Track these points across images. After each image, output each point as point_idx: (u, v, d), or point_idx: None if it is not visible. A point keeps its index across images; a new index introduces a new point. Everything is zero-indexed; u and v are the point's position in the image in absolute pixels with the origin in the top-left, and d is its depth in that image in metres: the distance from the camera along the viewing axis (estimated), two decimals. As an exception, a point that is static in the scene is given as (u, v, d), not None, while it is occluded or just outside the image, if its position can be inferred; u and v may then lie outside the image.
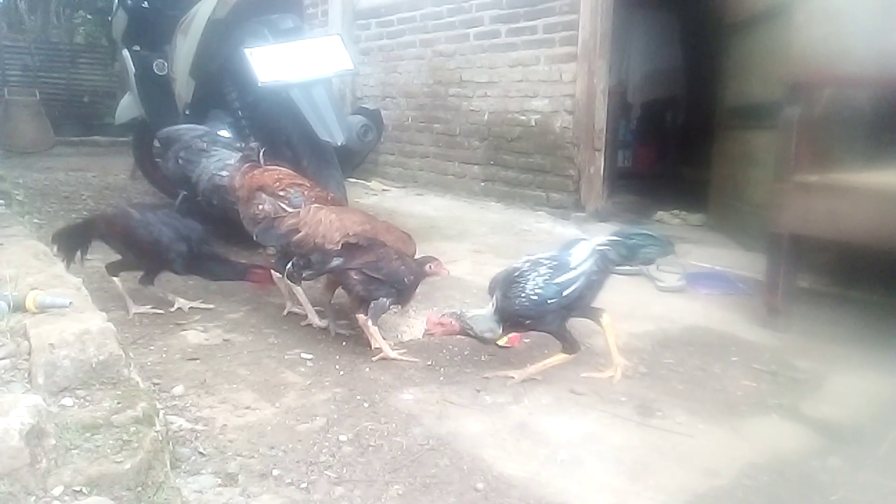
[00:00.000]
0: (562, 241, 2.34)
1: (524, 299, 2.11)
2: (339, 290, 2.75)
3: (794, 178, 2.62)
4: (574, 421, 1.97)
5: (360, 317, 2.37)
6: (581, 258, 2.17)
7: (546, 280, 2.12)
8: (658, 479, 1.69)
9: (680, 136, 7.64)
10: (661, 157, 7.55)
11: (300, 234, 2.33)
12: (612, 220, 4.93)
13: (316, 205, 2.43)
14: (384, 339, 2.41)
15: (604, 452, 1.80)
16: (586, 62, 4.81)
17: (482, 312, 2.18)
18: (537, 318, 2.14)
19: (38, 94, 9.45)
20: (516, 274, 2.16)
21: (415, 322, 2.73)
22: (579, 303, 2.17)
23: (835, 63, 2.87)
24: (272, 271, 2.67)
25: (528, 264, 2.18)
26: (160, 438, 1.51)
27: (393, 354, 2.36)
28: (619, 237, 2.23)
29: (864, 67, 2.82)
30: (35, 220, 4.20)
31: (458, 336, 2.25)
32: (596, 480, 1.67)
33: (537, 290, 2.11)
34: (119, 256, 2.80)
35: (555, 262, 2.17)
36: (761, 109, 3.81)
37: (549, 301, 2.11)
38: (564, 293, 2.11)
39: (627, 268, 3.50)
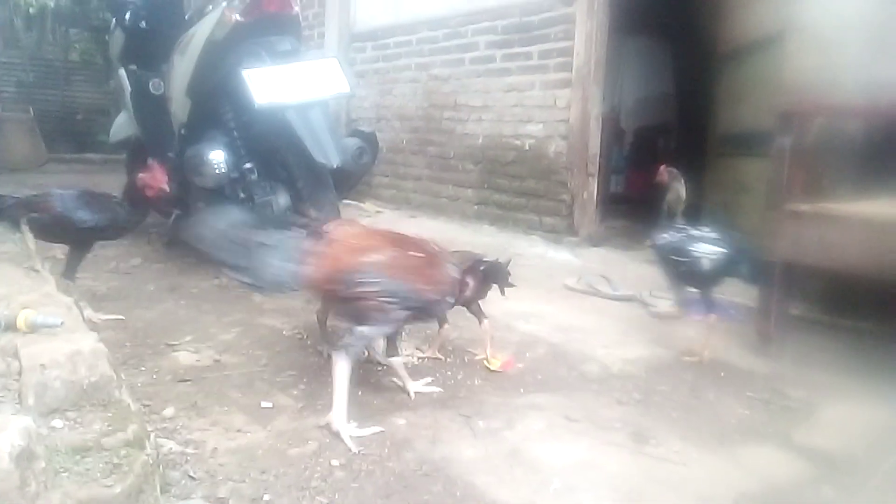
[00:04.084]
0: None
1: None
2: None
3: (786, 207, 2.64)
4: (567, 448, 1.96)
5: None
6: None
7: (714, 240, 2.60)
8: (652, 508, 1.68)
9: (672, 162, 7.68)
10: (653, 182, 7.58)
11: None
12: (605, 244, 4.95)
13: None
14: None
15: (597, 480, 1.79)
16: (580, 88, 4.85)
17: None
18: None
19: (31, 111, 9.45)
20: (685, 235, 2.68)
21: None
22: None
23: (826, 92, 2.92)
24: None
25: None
26: (150, 462, 1.49)
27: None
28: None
29: (856, 97, 2.87)
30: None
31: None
32: (590, 508, 1.66)
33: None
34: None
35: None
36: (753, 138, 3.85)
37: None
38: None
39: (620, 293, 3.54)
